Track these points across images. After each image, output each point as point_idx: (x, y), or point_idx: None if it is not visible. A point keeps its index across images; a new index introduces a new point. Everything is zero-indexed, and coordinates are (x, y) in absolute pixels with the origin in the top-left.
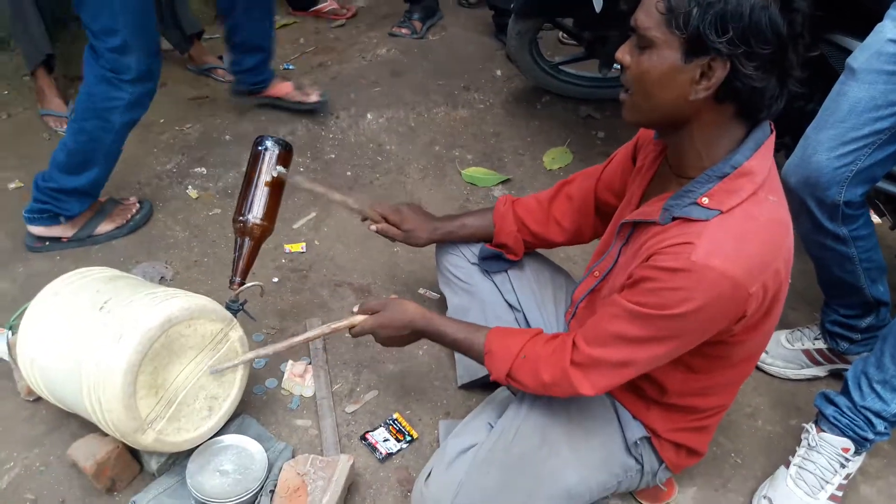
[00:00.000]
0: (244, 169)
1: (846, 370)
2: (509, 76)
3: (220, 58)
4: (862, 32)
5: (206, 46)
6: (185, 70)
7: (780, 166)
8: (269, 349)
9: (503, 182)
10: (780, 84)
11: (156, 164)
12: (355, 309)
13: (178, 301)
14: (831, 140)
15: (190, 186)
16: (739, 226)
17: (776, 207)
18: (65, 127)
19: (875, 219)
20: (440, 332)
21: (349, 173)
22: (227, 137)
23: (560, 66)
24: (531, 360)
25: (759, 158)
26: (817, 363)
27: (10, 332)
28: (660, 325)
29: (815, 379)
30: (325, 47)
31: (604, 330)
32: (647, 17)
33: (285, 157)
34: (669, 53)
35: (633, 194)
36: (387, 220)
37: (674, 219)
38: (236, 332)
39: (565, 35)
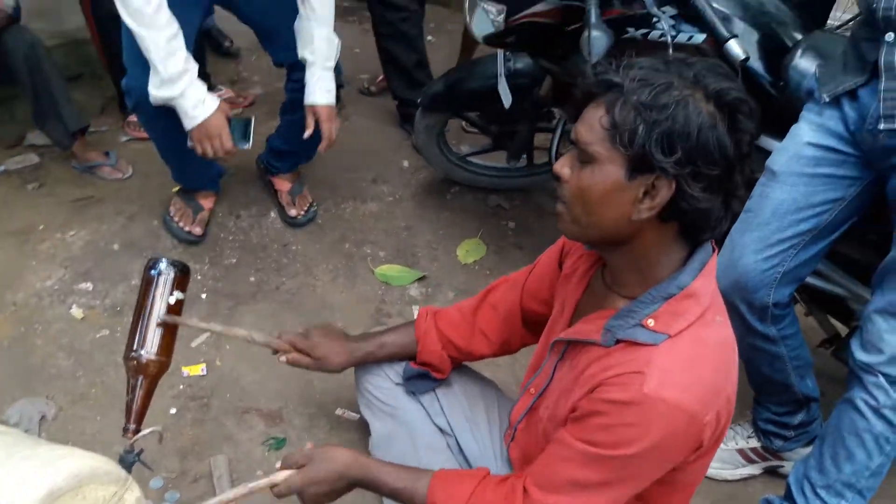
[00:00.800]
0: (135, 282)
1: (781, 467)
2: (417, 167)
3: (107, 153)
4: (777, 131)
5: (90, 141)
6: (68, 168)
7: None
8: None
9: (418, 280)
10: (724, 205)
11: (35, 279)
12: (277, 465)
13: (63, 467)
14: (757, 242)
15: (74, 305)
16: (689, 352)
17: (722, 328)
18: None
19: None
20: (377, 482)
21: (252, 279)
22: (116, 247)
23: (468, 158)
24: None
25: (704, 279)
26: (752, 461)
27: None
28: (616, 465)
29: (751, 477)
30: None
31: (556, 474)
32: (590, 132)
33: (182, 281)
34: (613, 170)
35: (565, 306)
36: (296, 349)
37: (617, 341)
38: (133, 494)
39: (469, 124)
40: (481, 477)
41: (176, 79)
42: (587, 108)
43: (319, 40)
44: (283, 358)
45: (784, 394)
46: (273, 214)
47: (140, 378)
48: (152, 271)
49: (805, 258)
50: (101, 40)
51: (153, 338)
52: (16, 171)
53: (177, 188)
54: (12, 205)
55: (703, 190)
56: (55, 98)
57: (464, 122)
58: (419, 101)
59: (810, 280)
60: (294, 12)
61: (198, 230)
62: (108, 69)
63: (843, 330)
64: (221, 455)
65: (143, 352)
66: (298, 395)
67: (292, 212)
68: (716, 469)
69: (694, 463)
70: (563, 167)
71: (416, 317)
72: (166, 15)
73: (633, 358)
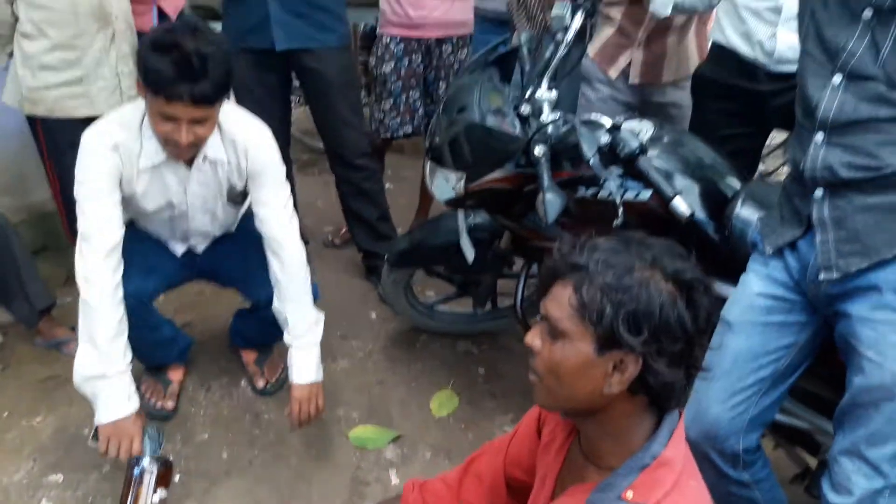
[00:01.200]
0: (107, 469)
1: None
2: (385, 317)
3: (73, 328)
4: (728, 275)
5: (56, 315)
6: (32, 346)
7: None
8: None
9: (394, 440)
10: (686, 377)
11: (1, 474)
12: None
13: None
14: (721, 392)
15: (44, 499)
16: None
17: (698, 494)
18: None
19: None
20: None
21: (225, 455)
22: (86, 431)
23: (435, 307)
24: None
25: (674, 446)
26: None
27: None
28: None
29: None
30: (188, 304)
31: None
32: (559, 309)
33: (165, 476)
34: (583, 346)
35: (547, 477)
36: None
37: None
38: None
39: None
40: None
41: (117, 359)
42: (555, 285)
43: (293, 319)
44: None
45: None
46: (244, 383)
47: None
48: (135, 469)
49: (768, 403)
50: (67, 216)
51: None
52: None
53: None
54: None
55: (668, 365)
56: (22, 278)
57: None
58: (386, 258)
59: (776, 416)
60: (263, 256)
61: (169, 404)
62: (72, 241)
63: (813, 461)
64: None
65: None
66: None
67: (260, 383)
68: None
69: None
70: (534, 339)
71: (393, 482)
72: (120, 295)
73: None
